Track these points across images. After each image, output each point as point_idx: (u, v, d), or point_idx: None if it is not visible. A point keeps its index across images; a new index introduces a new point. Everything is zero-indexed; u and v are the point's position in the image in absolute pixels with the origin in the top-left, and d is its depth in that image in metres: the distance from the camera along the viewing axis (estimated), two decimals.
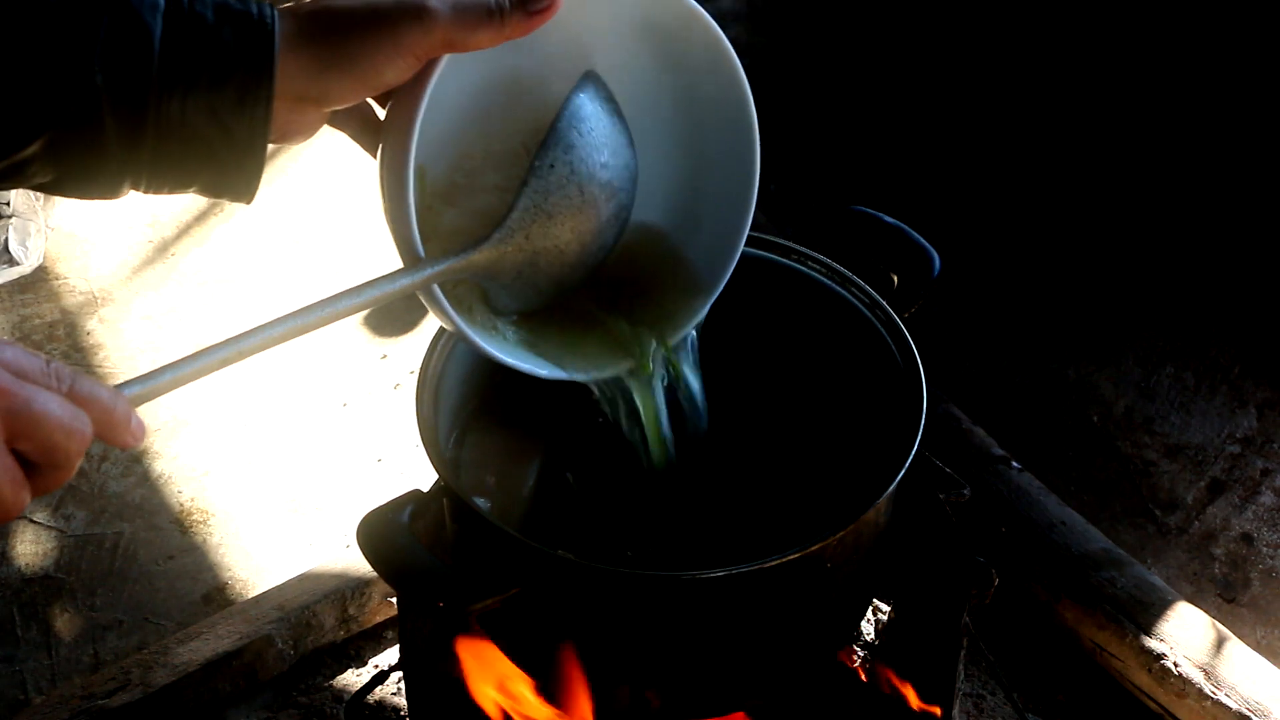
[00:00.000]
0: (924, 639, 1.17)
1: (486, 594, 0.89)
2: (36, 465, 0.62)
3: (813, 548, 0.90)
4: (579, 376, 0.94)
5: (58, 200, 2.21)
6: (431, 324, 2.03)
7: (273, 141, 0.77)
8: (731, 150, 0.94)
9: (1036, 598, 1.49)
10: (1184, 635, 1.41)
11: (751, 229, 0.97)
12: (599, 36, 0.89)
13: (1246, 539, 1.69)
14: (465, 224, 0.86)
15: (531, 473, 1.12)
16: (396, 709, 1.44)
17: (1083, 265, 2.04)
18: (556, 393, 1.09)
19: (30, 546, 1.71)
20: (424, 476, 1.75)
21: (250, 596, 1.61)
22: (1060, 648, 1.48)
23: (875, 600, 1.36)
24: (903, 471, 0.94)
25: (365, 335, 2.02)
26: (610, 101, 0.86)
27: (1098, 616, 1.44)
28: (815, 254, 1.11)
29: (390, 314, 2.05)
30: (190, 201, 2.25)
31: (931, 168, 2.19)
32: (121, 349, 2.00)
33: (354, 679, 1.50)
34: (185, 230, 2.22)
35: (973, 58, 2.27)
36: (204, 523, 1.75)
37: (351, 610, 1.50)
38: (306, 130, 0.79)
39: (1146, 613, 1.43)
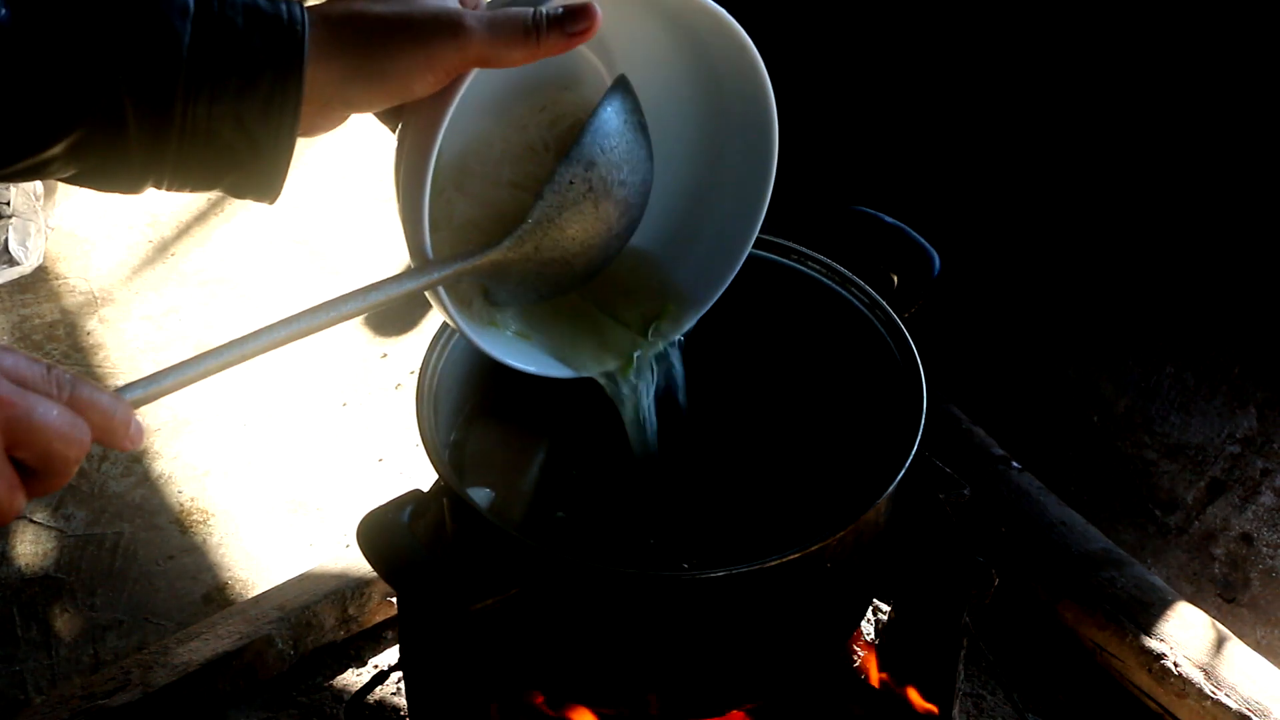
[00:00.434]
0: (924, 639, 1.17)
1: (486, 594, 0.89)
2: (34, 470, 0.62)
3: (813, 548, 0.90)
4: (568, 373, 0.95)
5: (58, 200, 2.21)
6: (431, 324, 2.03)
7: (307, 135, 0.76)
8: (744, 176, 0.94)
9: (1036, 598, 1.49)
10: (1184, 635, 1.41)
11: None
12: (632, 42, 0.89)
13: (1246, 539, 1.69)
14: (477, 216, 0.86)
15: (532, 472, 1.12)
16: (396, 709, 1.44)
17: (1083, 265, 2.04)
18: (556, 393, 1.09)
19: (30, 546, 1.71)
20: (424, 476, 1.75)
21: (250, 596, 1.61)
22: (1060, 648, 1.48)
23: (875, 600, 1.36)
24: (903, 471, 0.94)
25: (365, 335, 2.02)
26: (636, 113, 0.85)
27: (1098, 616, 1.44)
28: (815, 254, 1.11)
29: (390, 313, 2.05)
30: (190, 201, 2.25)
31: (931, 168, 2.19)
32: (121, 349, 2.00)
33: (354, 679, 1.50)
34: (185, 230, 2.22)
35: (973, 58, 2.27)
36: (204, 523, 1.75)
37: (351, 610, 1.50)
38: (330, 126, 0.79)
39: (1146, 613, 1.43)
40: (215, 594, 1.66)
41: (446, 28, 0.74)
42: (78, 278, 2.12)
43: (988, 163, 2.19)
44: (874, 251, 1.13)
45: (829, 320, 1.10)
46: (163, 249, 2.18)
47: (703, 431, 1.13)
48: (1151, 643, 1.40)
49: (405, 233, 0.80)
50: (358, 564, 1.52)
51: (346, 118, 0.79)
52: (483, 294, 0.90)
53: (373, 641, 1.53)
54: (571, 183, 0.81)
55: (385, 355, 1.99)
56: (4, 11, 0.66)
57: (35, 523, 1.74)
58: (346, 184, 2.30)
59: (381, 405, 1.91)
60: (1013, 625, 1.51)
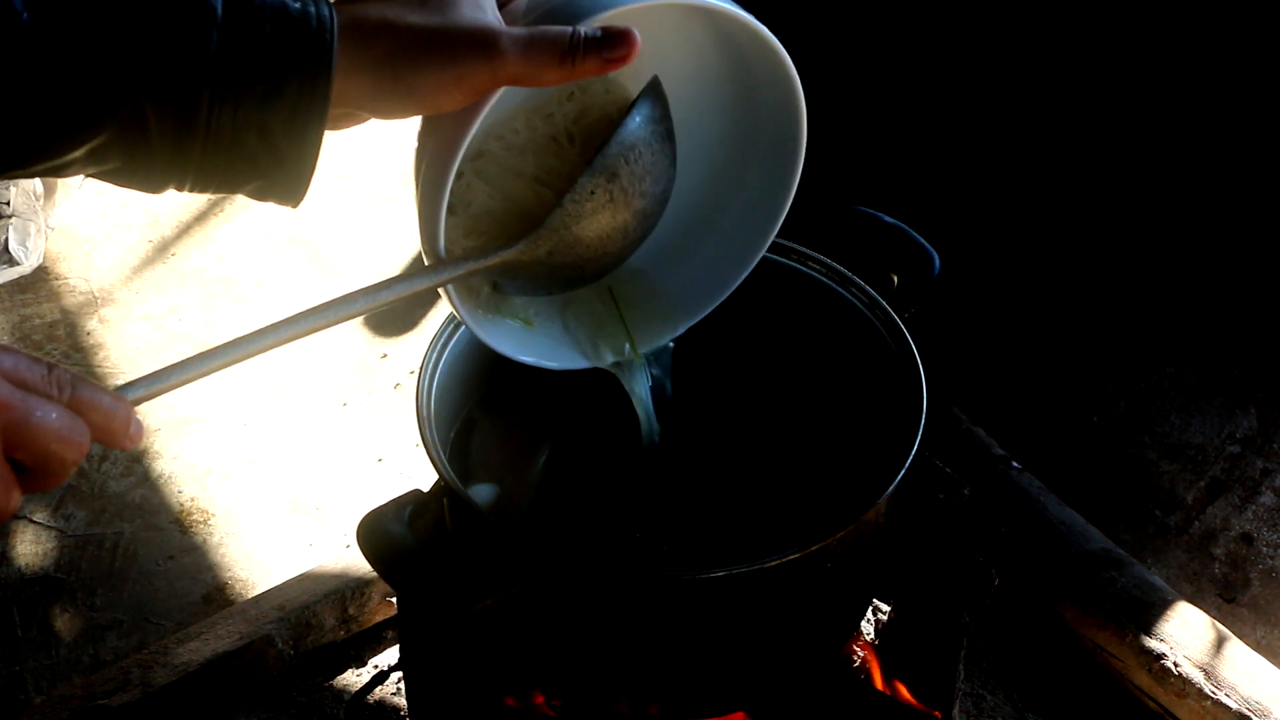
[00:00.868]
0: (924, 639, 1.17)
1: (486, 594, 0.89)
2: (31, 470, 0.61)
3: (813, 548, 0.90)
4: (570, 365, 0.95)
5: (58, 200, 2.21)
6: (431, 323, 2.03)
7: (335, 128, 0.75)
8: (757, 204, 0.94)
9: (1036, 598, 1.49)
10: (1184, 635, 1.41)
11: None
12: (671, 45, 0.88)
13: (1246, 539, 1.69)
14: (494, 208, 0.85)
15: (532, 472, 1.12)
16: (396, 709, 1.44)
17: (1083, 265, 2.04)
18: (557, 393, 1.09)
19: (30, 546, 1.71)
20: (424, 476, 1.75)
21: (250, 596, 1.61)
22: (1060, 648, 1.48)
23: (875, 600, 1.36)
24: (903, 471, 0.94)
25: (365, 335, 2.02)
26: (665, 121, 0.84)
27: (1098, 616, 1.44)
28: (815, 254, 1.11)
29: (390, 313, 2.05)
30: (190, 201, 2.25)
31: (931, 168, 2.19)
32: (122, 349, 2.00)
33: (354, 679, 1.50)
34: (185, 230, 2.22)
35: (973, 58, 2.27)
36: (204, 523, 1.75)
37: (351, 610, 1.50)
38: (348, 126, 0.78)
39: (1146, 613, 1.43)
40: (215, 594, 1.66)
41: (481, 46, 0.72)
42: (78, 278, 2.12)
43: (988, 163, 2.19)
44: (874, 251, 1.13)
45: (829, 320, 1.10)
46: (163, 249, 2.18)
47: (703, 431, 1.13)
48: (1151, 643, 1.40)
49: (421, 231, 0.80)
50: (358, 564, 1.52)
51: (367, 120, 0.78)
52: (490, 284, 0.90)
53: (373, 641, 1.53)
54: (593, 192, 0.80)
55: (385, 355, 1.99)
56: (24, 14, 0.65)
57: (35, 523, 1.74)
58: (346, 184, 2.30)
59: (381, 405, 1.91)
60: (1013, 625, 1.51)
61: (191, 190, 0.72)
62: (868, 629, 1.36)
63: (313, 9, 0.70)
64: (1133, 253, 2.05)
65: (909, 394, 1.00)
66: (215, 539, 1.73)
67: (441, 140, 0.77)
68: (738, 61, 0.90)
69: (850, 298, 1.09)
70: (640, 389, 0.98)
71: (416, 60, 0.72)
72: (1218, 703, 1.36)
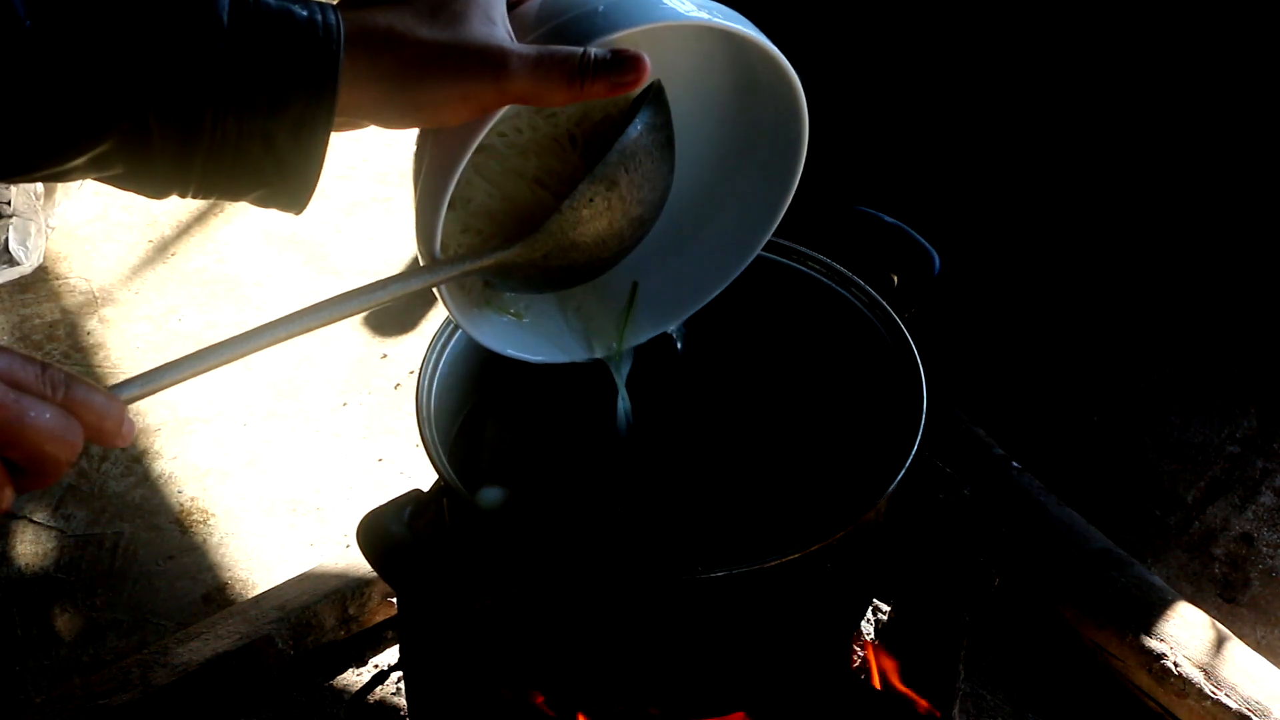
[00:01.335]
0: (924, 639, 1.17)
1: (486, 594, 0.89)
2: (24, 470, 0.61)
3: (813, 548, 0.90)
4: (560, 358, 0.95)
5: (58, 200, 2.21)
6: (431, 324, 2.03)
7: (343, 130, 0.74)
8: (755, 205, 0.94)
9: (1036, 598, 1.49)
10: (1184, 635, 1.41)
11: None
12: (679, 52, 0.88)
13: (1246, 539, 1.69)
14: (493, 208, 0.85)
15: (532, 472, 1.12)
16: (396, 709, 1.44)
17: (1083, 265, 2.04)
18: (557, 392, 1.09)
19: (30, 546, 1.71)
20: (424, 476, 1.75)
21: (250, 596, 1.61)
22: (1060, 648, 1.48)
23: (875, 600, 1.36)
24: (903, 471, 0.94)
25: (365, 335, 2.02)
26: (666, 128, 0.83)
27: (1098, 616, 1.44)
28: (815, 254, 1.11)
29: (390, 314, 2.05)
30: (191, 202, 2.25)
31: (931, 168, 2.19)
32: (122, 349, 2.00)
33: (354, 679, 1.50)
34: (185, 230, 2.22)
35: (973, 58, 2.27)
36: (204, 523, 1.75)
37: (351, 610, 1.50)
38: (353, 129, 0.78)
39: (1146, 613, 1.43)
40: (215, 594, 1.66)
41: (489, 64, 0.71)
42: (78, 278, 2.12)
43: (988, 163, 2.19)
44: (874, 251, 1.13)
45: (829, 320, 1.10)
46: (163, 249, 2.18)
47: (703, 431, 1.13)
48: (1151, 643, 1.40)
49: (418, 234, 0.80)
50: (358, 564, 1.52)
51: (369, 125, 0.78)
52: (482, 281, 0.90)
53: (373, 641, 1.53)
54: (592, 200, 0.80)
55: (385, 355, 1.99)
56: (27, 20, 0.64)
57: (35, 523, 1.74)
58: (346, 184, 2.30)
59: (381, 405, 1.91)
60: (1013, 625, 1.51)
61: (194, 197, 0.72)
62: (868, 629, 1.36)
63: (319, 17, 0.69)
64: (1133, 253, 2.05)
65: (909, 394, 1.00)
66: (215, 539, 1.73)
67: (443, 150, 0.77)
68: (743, 70, 0.90)
69: (850, 298, 1.09)
70: (622, 381, 0.98)
71: (424, 75, 0.71)
72: (1218, 703, 1.36)
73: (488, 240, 0.85)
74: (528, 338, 0.94)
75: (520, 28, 0.77)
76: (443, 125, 0.75)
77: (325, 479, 1.81)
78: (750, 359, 1.16)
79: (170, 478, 1.81)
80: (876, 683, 1.20)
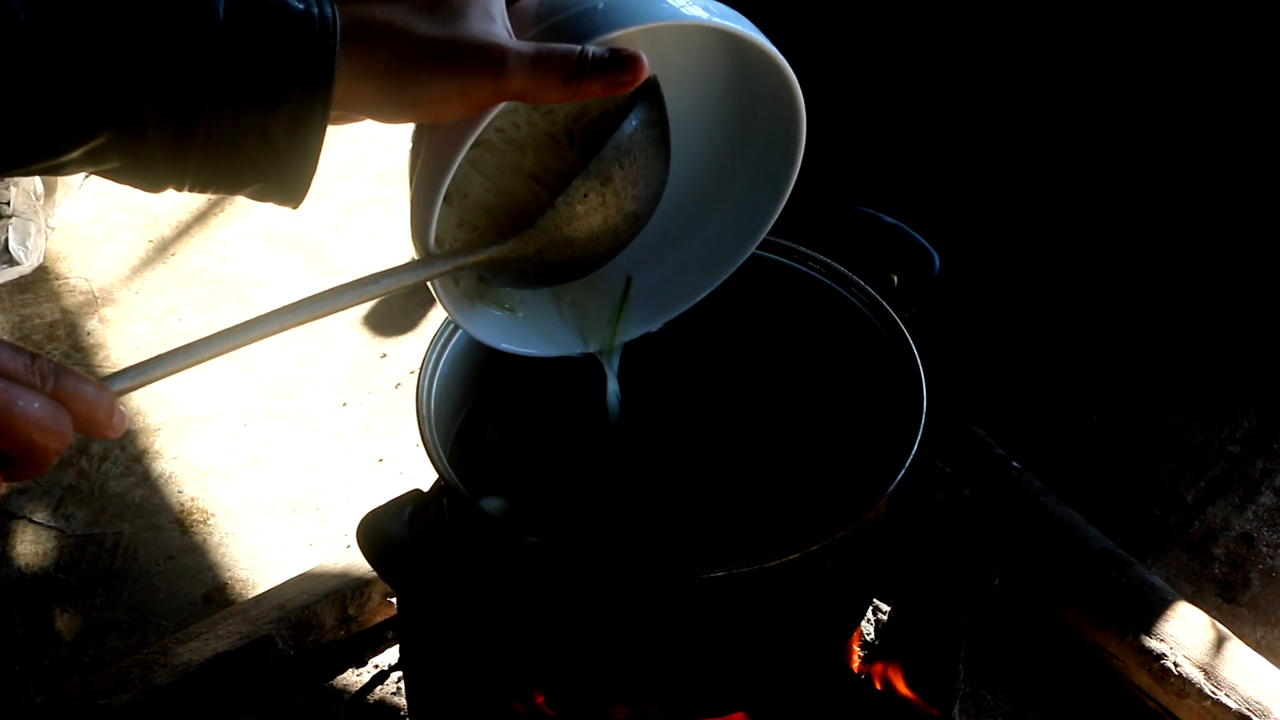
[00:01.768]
0: (924, 639, 1.17)
1: (487, 594, 0.89)
2: (13, 460, 0.61)
3: (813, 548, 0.90)
4: (553, 351, 0.95)
5: (58, 200, 2.21)
6: (431, 323, 2.03)
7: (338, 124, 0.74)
8: (749, 205, 0.94)
9: (1037, 598, 1.49)
10: (1184, 635, 1.41)
11: None
12: (670, 47, 0.88)
13: (1246, 539, 1.69)
14: (489, 203, 0.85)
15: (532, 472, 1.12)
16: (396, 709, 1.44)
17: (1083, 265, 2.04)
18: (557, 392, 1.09)
19: (30, 546, 1.71)
20: (424, 476, 1.75)
21: (250, 596, 1.61)
22: (1060, 648, 1.48)
23: (875, 600, 1.36)
24: (903, 471, 0.94)
25: (365, 335, 2.02)
26: (661, 125, 0.83)
27: (1098, 616, 1.44)
28: (815, 254, 1.11)
29: (390, 313, 2.05)
30: (190, 201, 2.25)
31: (931, 168, 2.20)
32: (122, 349, 2.00)
33: (354, 679, 1.50)
34: (185, 230, 2.22)
35: (973, 58, 2.27)
36: (204, 523, 1.75)
37: (351, 610, 1.50)
38: (350, 123, 0.77)
39: (1146, 613, 1.43)
40: (215, 594, 1.66)
41: (487, 62, 0.71)
42: (78, 278, 2.12)
43: (988, 163, 2.19)
44: (874, 251, 1.13)
45: (829, 320, 1.10)
46: (163, 249, 2.18)
47: (703, 431, 1.13)
48: (1151, 643, 1.40)
49: (412, 228, 0.80)
50: (358, 564, 1.52)
51: (365, 119, 0.77)
52: (476, 276, 0.90)
53: (373, 641, 1.53)
54: (586, 196, 0.80)
55: (385, 355, 1.99)
56: (21, 13, 0.64)
57: (35, 523, 1.74)
58: (346, 184, 2.30)
59: (381, 405, 1.91)
60: (1013, 625, 1.51)
61: (191, 190, 0.72)
62: (868, 629, 1.36)
63: (315, 10, 0.69)
64: (1133, 253, 2.05)
65: (909, 394, 1.00)
66: (215, 539, 1.73)
67: (439, 145, 0.77)
68: (742, 72, 0.90)
69: (850, 298, 1.09)
70: (613, 377, 0.98)
71: (421, 72, 0.71)
72: (1218, 703, 1.36)
73: (483, 235, 0.85)
74: (521, 331, 0.94)
75: (519, 24, 0.77)
76: (439, 121, 0.75)
77: (325, 479, 1.81)
78: (750, 359, 1.16)
79: (170, 478, 1.81)
80: (876, 683, 1.20)
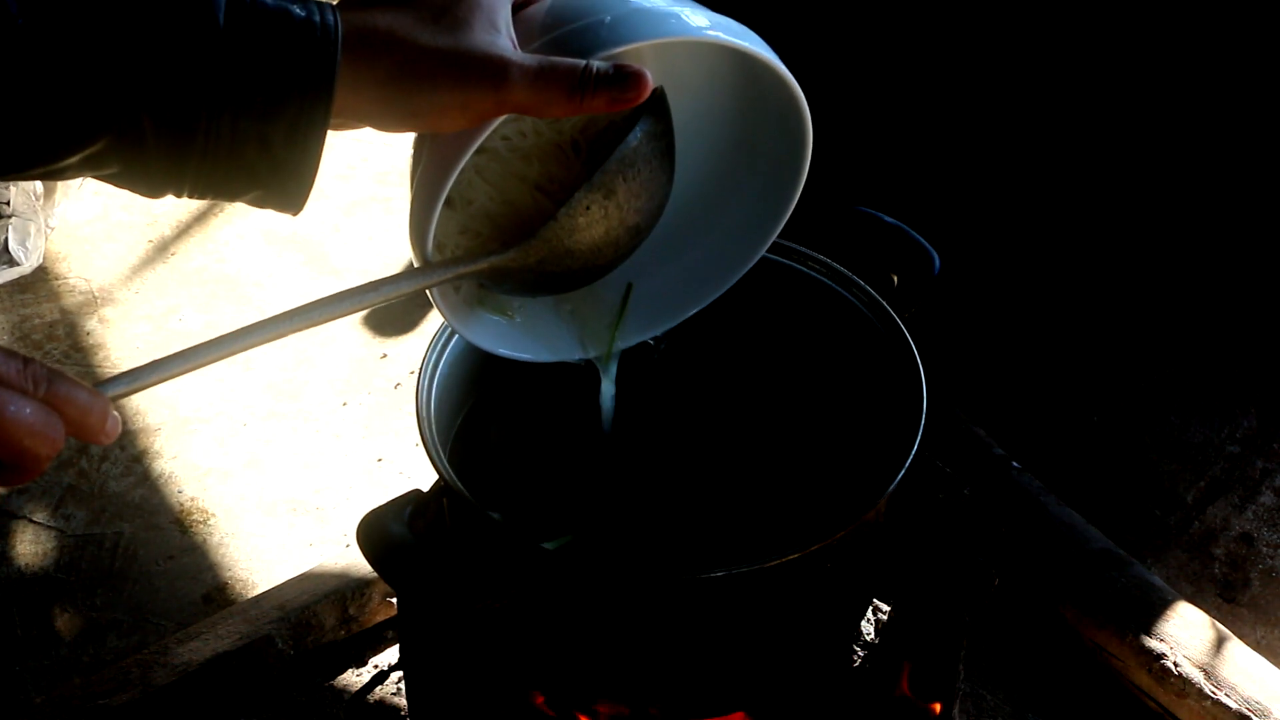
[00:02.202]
0: (924, 639, 1.17)
1: (487, 594, 0.89)
2: (4, 465, 0.61)
3: (813, 548, 0.90)
4: (552, 357, 0.95)
5: (58, 200, 2.21)
6: (431, 324, 2.03)
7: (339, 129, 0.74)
8: (751, 219, 0.94)
9: (1037, 598, 1.49)
10: (1184, 635, 1.41)
11: None
12: (678, 59, 0.88)
13: (1246, 539, 1.69)
14: (493, 211, 0.85)
15: (532, 472, 1.12)
16: (396, 709, 1.45)
17: (1083, 265, 2.04)
18: (557, 393, 1.09)
19: (30, 546, 1.71)
20: (424, 476, 1.75)
21: (250, 596, 1.61)
22: (1060, 648, 1.48)
23: (875, 600, 1.36)
24: (903, 471, 0.94)
25: (365, 335, 2.02)
26: (666, 136, 0.83)
27: (1098, 616, 1.44)
28: (815, 254, 1.11)
29: (390, 313, 2.05)
30: (190, 201, 2.25)
31: (931, 168, 2.19)
32: (122, 349, 2.00)
33: (354, 679, 1.50)
34: (185, 230, 2.22)
35: (973, 58, 2.27)
36: (204, 523, 1.75)
37: (351, 610, 1.50)
38: (349, 129, 0.77)
39: (1146, 613, 1.43)
40: (215, 594, 1.66)
41: (490, 74, 0.71)
42: (78, 278, 2.12)
43: (988, 163, 2.19)
44: (874, 251, 1.13)
45: (829, 320, 1.11)
46: (163, 249, 2.18)
47: (703, 431, 1.13)
48: (1151, 643, 1.40)
49: (411, 236, 0.80)
50: (358, 564, 1.52)
51: (365, 125, 0.77)
52: (477, 284, 0.90)
53: (373, 641, 1.53)
54: (589, 208, 0.80)
55: (385, 355, 1.99)
56: (19, 18, 0.63)
57: (35, 523, 1.74)
58: (346, 184, 2.30)
59: (381, 405, 1.91)
60: (1013, 625, 1.51)
61: (190, 196, 0.71)
62: (868, 629, 1.36)
63: (317, 17, 0.68)
64: (1133, 253, 2.05)
65: (909, 394, 1.00)
66: (215, 539, 1.73)
67: (439, 154, 0.77)
68: (749, 88, 0.90)
69: (850, 298, 1.09)
70: (608, 383, 0.98)
71: (423, 81, 0.71)
72: (1218, 703, 1.36)
73: (485, 243, 0.85)
74: (520, 337, 0.94)
75: (525, 34, 0.76)
76: (440, 131, 0.75)
77: (325, 479, 1.81)
78: (750, 359, 1.16)
79: (170, 478, 1.81)
80: (876, 683, 1.20)
